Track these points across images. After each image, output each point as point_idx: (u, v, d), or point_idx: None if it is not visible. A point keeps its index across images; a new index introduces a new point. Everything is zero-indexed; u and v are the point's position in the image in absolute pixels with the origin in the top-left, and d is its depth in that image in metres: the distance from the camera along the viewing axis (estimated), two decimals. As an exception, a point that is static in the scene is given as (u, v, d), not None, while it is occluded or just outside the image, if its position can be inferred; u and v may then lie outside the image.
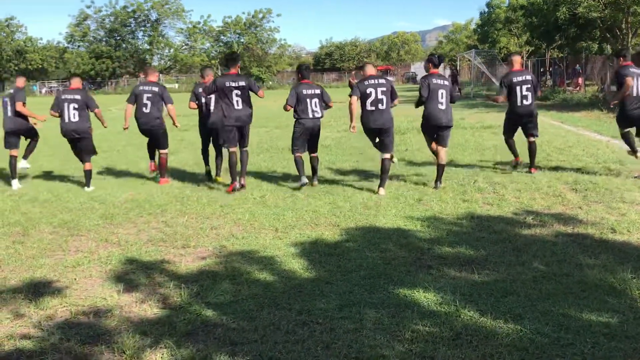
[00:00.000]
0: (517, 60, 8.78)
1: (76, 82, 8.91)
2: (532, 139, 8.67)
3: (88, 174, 8.59)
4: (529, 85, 8.39)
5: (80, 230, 6.16)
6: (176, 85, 69.19)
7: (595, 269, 4.55)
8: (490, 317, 3.70)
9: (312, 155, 8.29)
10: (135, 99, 8.67)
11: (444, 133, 7.89)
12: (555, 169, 8.86)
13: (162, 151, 8.88)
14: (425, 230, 5.79)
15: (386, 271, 4.64)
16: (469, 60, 47.04)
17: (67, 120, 8.50)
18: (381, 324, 3.66)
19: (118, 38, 72.31)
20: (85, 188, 8.45)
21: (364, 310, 3.88)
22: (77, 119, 8.48)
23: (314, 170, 8.33)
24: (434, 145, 8.04)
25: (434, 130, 7.94)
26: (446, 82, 7.88)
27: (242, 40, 73.74)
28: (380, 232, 5.74)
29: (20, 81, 9.42)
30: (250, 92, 8.01)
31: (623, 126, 8.57)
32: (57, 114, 8.62)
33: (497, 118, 17.79)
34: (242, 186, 8.03)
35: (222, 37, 75.14)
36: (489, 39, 46.17)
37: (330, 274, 4.60)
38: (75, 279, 4.70)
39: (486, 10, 47.03)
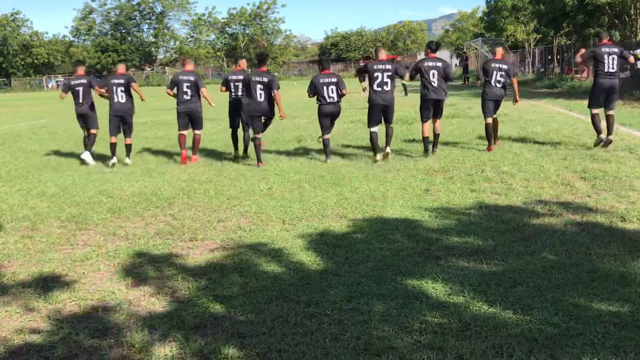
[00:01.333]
0: (499, 51, 10.44)
1: (121, 68, 10.46)
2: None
3: (129, 147, 10.09)
4: (503, 72, 9.79)
5: (88, 225, 6.18)
6: (182, 78, 69.02)
7: (605, 258, 4.52)
8: (500, 308, 3.68)
9: (327, 136, 9.48)
10: (175, 86, 9.87)
11: (436, 107, 9.49)
12: (564, 157, 8.79)
13: (197, 132, 10.11)
14: (433, 220, 5.77)
15: (394, 262, 4.62)
16: (476, 48, 46.74)
17: (116, 100, 9.86)
18: (389, 316, 3.65)
19: (123, 31, 72.42)
20: (126, 160, 9.99)
21: (372, 301, 3.87)
22: (124, 100, 9.88)
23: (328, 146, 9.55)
24: (426, 126, 9.59)
25: (429, 107, 9.47)
26: (438, 64, 9.37)
27: (247, 31, 73.66)
28: (387, 223, 5.72)
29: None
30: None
31: (593, 106, 9.67)
32: (106, 95, 10.11)
33: (505, 106, 17.70)
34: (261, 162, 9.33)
35: (227, 28, 75.06)
36: (496, 27, 45.77)
37: (338, 266, 4.60)
38: (83, 273, 4.72)
39: (492, -3, 46.63)
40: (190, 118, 9.96)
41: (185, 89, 9.75)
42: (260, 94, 9.07)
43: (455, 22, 76.39)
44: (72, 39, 73.92)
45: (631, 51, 22.08)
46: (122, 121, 9.98)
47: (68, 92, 10.61)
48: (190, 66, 10.28)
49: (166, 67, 72.77)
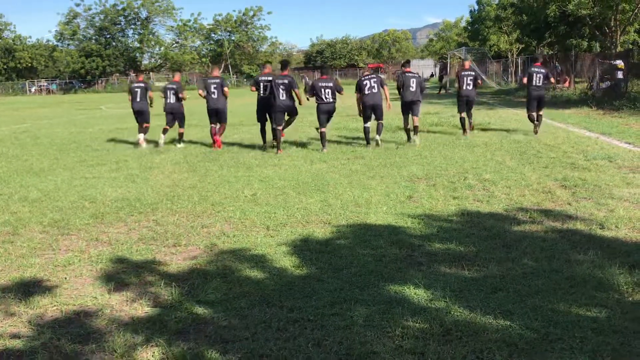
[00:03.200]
0: (467, 63, 14.42)
1: (216, 71, 13.34)
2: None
3: (181, 134, 13.03)
4: (472, 77, 13.27)
5: (70, 230, 6.14)
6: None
7: (584, 264, 4.59)
8: (480, 313, 3.73)
9: (323, 130, 11.45)
10: (205, 88, 12.25)
11: (414, 106, 11.98)
12: (545, 165, 8.91)
13: (223, 123, 12.62)
14: (415, 227, 5.82)
15: (377, 268, 4.65)
16: (460, 57, 47.16)
17: (168, 101, 12.81)
18: (372, 321, 3.67)
19: (108, 36, 72.06)
20: (177, 144, 12.83)
21: (355, 307, 3.89)
22: (216, 96, 12.26)
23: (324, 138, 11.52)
24: (407, 122, 12.19)
25: (408, 106, 12.02)
26: (415, 75, 12.30)
27: (232, 38, 73.65)
28: (371, 230, 5.76)
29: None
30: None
31: (528, 110, 12.94)
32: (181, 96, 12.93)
33: (488, 116, 17.90)
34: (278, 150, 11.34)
35: (213, 34, 75.02)
36: (480, 36, 46.30)
37: (321, 272, 4.62)
38: (65, 278, 4.69)
39: (476, 7, 47.18)
40: (217, 113, 12.30)
41: (213, 90, 12.15)
42: (282, 93, 11.12)
43: (439, 32, 77.09)
44: (56, 43, 73.42)
45: (612, 62, 22.48)
46: (216, 114, 12.35)
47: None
48: (217, 72, 13.18)
49: (151, 73, 72.48)
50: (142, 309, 4.02)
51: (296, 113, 11.71)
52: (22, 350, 3.46)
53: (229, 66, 70.26)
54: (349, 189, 7.67)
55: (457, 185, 7.72)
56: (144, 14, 71.50)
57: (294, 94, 11.33)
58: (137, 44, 73.07)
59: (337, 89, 11.34)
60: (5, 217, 6.70)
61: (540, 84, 12.58)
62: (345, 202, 6.94)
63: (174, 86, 12.79)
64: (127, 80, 67.88)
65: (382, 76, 14.53)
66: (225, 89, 12.29)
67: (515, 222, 5.89)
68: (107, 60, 69.13)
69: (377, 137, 11.59)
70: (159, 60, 75.40)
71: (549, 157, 9.63)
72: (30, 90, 67.93)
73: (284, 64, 11.94)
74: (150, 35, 72.47)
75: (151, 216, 6.63)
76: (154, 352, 3.39)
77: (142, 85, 13.21)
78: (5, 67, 69.22)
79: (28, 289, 4.46)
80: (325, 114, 11.39)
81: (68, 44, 73.05)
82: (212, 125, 12.43)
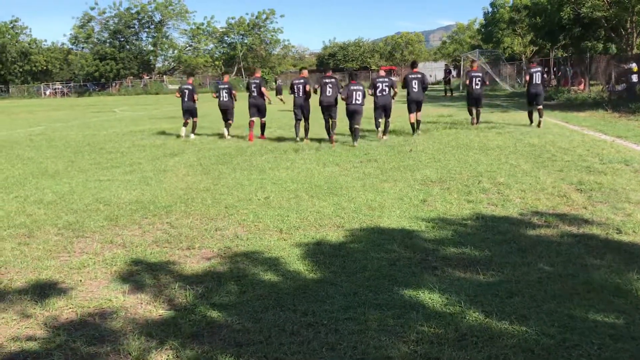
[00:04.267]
0: (475, 66, 16.25)
1: (258, 72, 15.63)
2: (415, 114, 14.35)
3: (229, 125, 15.13)
4: (480, 78, 15.43)
5: (85, 232, 6.18)
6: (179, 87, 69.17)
7: (601, 269, 4.54)
8: (496, 318, 3.70)
9: (356, 126, 12.79)
10: (248, 88, 14.53)
11: (417, 104, 13.99)
12: (560, 169, 8.84)
13: (263, 119, 14.61)
14: (429, 231, 5.79)
15: (391, 272, 4.64)
16: (473, 60, 46.99)
17: (221, 99, 15.00)
18: (386, 325, 3.66)
19: (122, 39, 72.61)
20: (226, 135, 14.97)
21: (369, 311, 3.88)
22: (227, 99, 14.94)
23: (356, 133, 12.88)
24: (412, 117, 14.09)
25: (413, 104, 13.97)
26: (418, 75, 14.09)
27: (245, 41, 73.88)
28: (384, 233, 5.74)
29: (191, 79, 17.10)
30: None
31: (528, 104, 15.52)
32: (214, 96, 15.54)
33: (502, 117, 17.79)
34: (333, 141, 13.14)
35: (226, 38, 75.30)
36: (493, 38, 46.08)
37: (335, 275, 4.61)
38: (80, 281, 4.72)
39: (490, 10, 46.96)
40: (257, 109, 14.36)
41: (253, 89, 14.29)
42: (329, 90, 12.98)
43: (452, 34, 76.80)
44: (70, 46, 74.10)
45: (627, 65, 22.28)
46: (257, 109, 14.38)
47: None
48: (258, 73, 15.49)
49: (164, 76, 72.91)
50: (157, 312, 4.03)
51: (333, 104, 13.23)
52: (38, 352, 3.48)
53: (242, 69, 70.46)
54: (362, 192, 7.65)
55: (472, 188, 7.67)
56: (157, 17, 71.99)
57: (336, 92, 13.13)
58: (150, 47, 73.55)
59: (364, 93, 12.96)
60: (21, 219, 6.76)
61: (539, 82, 15.03)
62: (358, 206, 6.93)
63: (227, 86, 15.10)
64: (140, 83, 68.49)
65: (394, 79, 16.61)
66: (263, 88, 14.42)
67: (530, 226, 5.85)
68: (121, 63, 69.62)
69: (384, 134, 13.72)
70: (172, 63, 75.84)
71: (564, 161, 9.55)
72: (45, 93, 68.60)
73: (326, 68, 15.59)
74: (164, 39, 72.92)
75: (165, 219, 6.65)
76: (168, 355, 3.40)
77: (189, 87, 15.52)
78: (21, 70, 69.94)
79: (44, 290, 4.50)
80: (353, 113, 12.80)
81: (82, 47, 73.74)
82: (252, 119, 14.52)
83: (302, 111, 13.53)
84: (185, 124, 15.38)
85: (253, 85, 14.38)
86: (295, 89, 13.59)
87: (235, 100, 15.21)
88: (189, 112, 15.33)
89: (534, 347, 3.32)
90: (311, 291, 4.28)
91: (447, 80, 38.89)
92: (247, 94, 14.61)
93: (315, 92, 13.45)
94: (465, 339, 3.44)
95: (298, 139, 13.72)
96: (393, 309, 3.90)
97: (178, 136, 15.48)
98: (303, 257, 5.07)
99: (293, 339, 3.52)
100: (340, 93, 12.88)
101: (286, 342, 3.48)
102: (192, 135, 15.22)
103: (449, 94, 36.06)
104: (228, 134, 15.00)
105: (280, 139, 14.33)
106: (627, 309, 3.79)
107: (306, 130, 13.73)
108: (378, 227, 5.97)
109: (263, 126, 14.73)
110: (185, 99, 15.27)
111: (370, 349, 3.36)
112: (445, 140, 12.91)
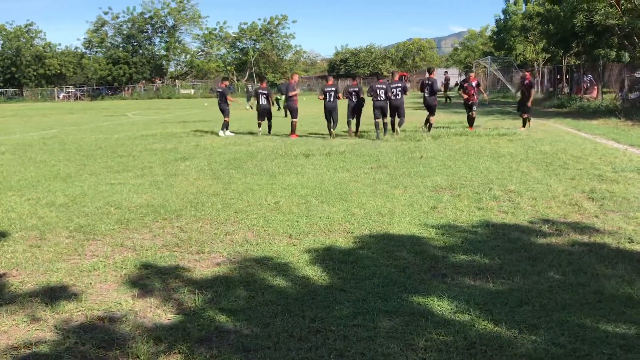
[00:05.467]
0: (396, 75, 16.67)
1: (264, 83, 18.29)
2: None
3: (270, 126, 17.56)
4: (398, 89, 15.61)
5: (96, 235, 6.21)
6: (192, 91, 69.56)
7: (612, 279, 4.50)
8: (505, 327, 3.67)
9: (385, 121, 15.60)
10: (255, 95, 17.31)
11: (386, 109, 15.58)
12: (572, 177, 8.78)
13: (294, 119, 16.86)
14: (439, 238, 5.77)
15: (400, 279, 4.62)
16: (485, 67, 46.85)
17: (261, 103, 17.32)
18: (395, 333, 3.65)
19: (135, 44, 73.12)
20: (260, 133, 17.36)
21: (378, 318, 3.87)
22: (265, 102, 17.25)
23: (385, 127, 15.72)
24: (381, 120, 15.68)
25: (378, 109, 15.46)
26: (383, 85, 15.34)
27: (257, 46, 74.17)
28: (394, 240, 5.73)
29: (226, 82, 18.98)
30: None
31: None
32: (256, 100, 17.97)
33: (514, 124, 17.72)
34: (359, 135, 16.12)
35: (238, 43, 75.62)
36: (505, 45, 45.89)
37: (344, 282, 4.60)
38: (90, 284, 4.74)
39: (502, 17, 46.80)
40: (266, 115, 17.34)
41: (261, 97, 17.21)
42: (354, 97, 15.88)
43: (464, 41, 76.59)
44: (84, 50, 74.68)
45: (637, 74, 22.11)
46: (290, 110, 17.04)
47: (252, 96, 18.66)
48: (265, 84, 18.16)
49: (176, 80, 73.29)
50: (166, 316, 4.05)
51: (361, 106, 16.11)
52: (48, 355, 3.50)
53: (254, 74, 70.74)
54: (372, 199, 7.64)
55: (482, 196, 7.64)
56: (170, 22, 72.43)
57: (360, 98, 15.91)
58: (163, 52, 74.01)
59: (387, 90, 15.24)
60: (33, 222, 6.82)
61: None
62: (368, 212, 6.92)
63: (265, 91, 17.33)
64: (153, 88, 69.00)
65: (407, 84, 17.99)
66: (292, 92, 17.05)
67: (541, 234, 5.81)
68: (134, 67, 70.09)
69: (398, 128, 15.92)
70: (184, 68, 76.24)
71: (576, 169, 9.49)
72: (58, 97, 69.18)
73: (352, 77, 17.19)
74: (177, 43, 73.32)
75: (175, 223, 6.68)
76: (176, 359, 3.40)
77: (266, 91, 17.46)
78: (35, 73, 70.59)
79: (54, 293, 4.53)
80: (379, 109, 15.24)
81: (96, 52, 74.29)
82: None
83: (337, 114, 16.09)
84: (259, 125, 17.58)
85: (261, 95, 17.20)
86: (327, 95, 16.08)
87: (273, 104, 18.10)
88: (262, 114, 17.45)
89: (543, 356, 3.29)
90: (320, 297, 4.28)
91: (446, 87, 39.58)
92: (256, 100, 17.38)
93: (344, 98, 16.14)
94: (475, 348, 3.42)
95: (331, 136, 15.98)
96: (402, 316, 3.88)
97: (255, 134, 17.52)
98: (312, 263, 5.07)
99: (301, 345, 3.52)
100: (368, 93, 15.62)
101: (294, 348, 3.48)
102: (227, 132, 17.44)
103: (448, 100, 36.81)
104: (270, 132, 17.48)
105: (312, 135, 14.37)
106: (638, 320, 3.75)
107: (335, 123, 16.16)
108: (388, 234, 5.96)
109: (295, 125, 16.83)
110: (262, 102, 17.35)
111: (379, 356, 3.35)
112: (456, 147, 12.87)
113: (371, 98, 15.45)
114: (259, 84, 17.57)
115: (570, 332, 3.58)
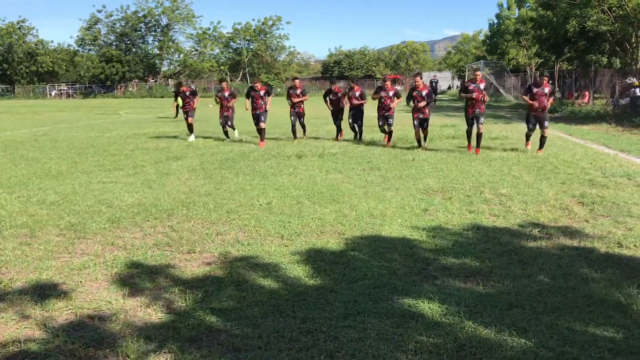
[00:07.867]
0: (388, 82, 14.98)
1: (259, 84, 15.76)
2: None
3: (263, 130, 14.99)
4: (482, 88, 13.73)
5: (86, 233, 6.19)
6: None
7: (601, 283, 4.53)
8: (495, 330, 3.69)
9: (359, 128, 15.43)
10: (249, 96, 15.08)
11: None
12: (563, 181, 8.83)
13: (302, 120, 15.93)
14: (430, 240, 5.79)
15: (391, 281, 4.64)
16: (478, 69, 46.96)
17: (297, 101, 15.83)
18: (385, 334, 3.66)
19: (128, 42, 72.86)
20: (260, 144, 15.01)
21: (368, 319, 3.88)
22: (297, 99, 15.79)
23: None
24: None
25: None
26: (390, 93, 14.48)
27: (251, 46, 74.12)
28: (385, 242, 5.74)
29: (225, 85, 16.50)
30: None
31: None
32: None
33: (505, 129, 17.79)
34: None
35: (232, 43, 75.54)
36: (498, 50, 46.10)
37: (335, 283, 4.61)
38: (80, 282, 4.73)
39: (495, 21, 47.02)
40: (257, 118, 15.25)
41: (256, 98, 15.17)
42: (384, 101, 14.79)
43: (457, 44, 76.87)
44: (77, 48, 74.28)
45: (628, 79, 22.29)
46: (298, 117, 15.76)
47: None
48: (259, 83, 15.90)
49: (169, 79, 73.07)
50: (156, 315, 4.04)
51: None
52: (37, 353, 3.49)
53: (247, 74, 70.67)
54: (364, 200, 7.65)
55: (473, 199, 7.67)
56: (164, 21, 72.25)
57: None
58: (156, 51, 73.79)
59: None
60: (23, 219, 6.78)
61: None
62: (360, 213, 6.93)
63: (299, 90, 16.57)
64: (146, 86, 68.75)
65: (399, 87, 16.99)
66: (269, 97, 15.22)
67: (531, 238, 5.84)
68: (127, 66, 69.79)
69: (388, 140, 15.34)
70: (177, 67, 76.04)
71: (567, 173, 9.55)
72: (50, 94, 68.80)
73: (384, 80, 15.76)
74: (170, 43, 73.13)
75: (167, 222, 6.66)
76: (166, 359, 3.40)
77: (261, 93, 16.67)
78: (27, 70, 70.12)
79: (44, 291, 4.51)
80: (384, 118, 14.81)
81: (89, 49, 73.95)
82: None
83: (357, 118, 15.51)
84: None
85: (254, 96, 15.64)
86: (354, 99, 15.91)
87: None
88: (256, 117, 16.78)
89: (532, 359, 3.32)
90: (311, 298, 4.29)
91: (434, 91, 39.79)
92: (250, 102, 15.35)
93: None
94: (464, 350, 3.44)
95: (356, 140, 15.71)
96: (392, 318, 3.90)
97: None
98: (303, 264, 5.07)
99: (292, 346, 3.52)
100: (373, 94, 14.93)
101: (285, 349, 3.48)
102: (235, 133, 16.92)
103: (434, 103, 37.09)
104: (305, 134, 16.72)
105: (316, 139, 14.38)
106: (626, 324, 3.79)
107: (361, 132, 15.66)
108: (379, 236, 5.98)
109: (303, 127, 16.26)
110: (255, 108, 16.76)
111: (369, 357, 3.36)
112: (448, 150, 12.91)
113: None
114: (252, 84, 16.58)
115: (559, 335, 3.61)
